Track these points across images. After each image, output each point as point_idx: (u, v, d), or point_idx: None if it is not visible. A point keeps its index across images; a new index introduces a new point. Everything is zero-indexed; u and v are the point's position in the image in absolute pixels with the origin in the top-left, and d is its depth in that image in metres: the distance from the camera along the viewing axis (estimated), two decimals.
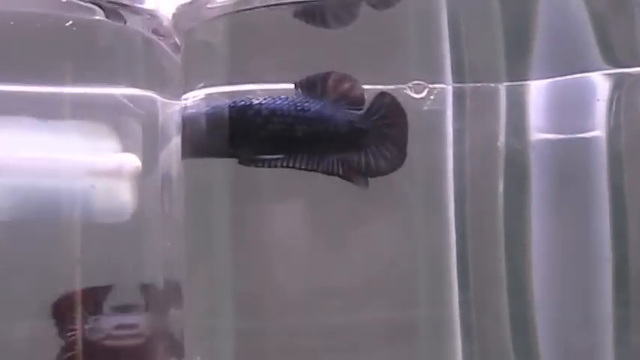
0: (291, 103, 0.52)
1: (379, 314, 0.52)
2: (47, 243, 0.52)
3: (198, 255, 0.56)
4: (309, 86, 0.52)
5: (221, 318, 0.55)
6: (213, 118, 0.54)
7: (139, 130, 0.56)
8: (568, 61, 0.53)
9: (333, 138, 0.51)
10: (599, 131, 0.52)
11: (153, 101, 0.57)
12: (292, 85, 0.52)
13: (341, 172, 0.51)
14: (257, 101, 0.52)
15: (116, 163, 0.55)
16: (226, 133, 0.53)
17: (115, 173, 0.55)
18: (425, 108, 0.52)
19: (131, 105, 0.56)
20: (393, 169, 0.51)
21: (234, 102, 0.53)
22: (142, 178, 0.55)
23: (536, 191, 0.53)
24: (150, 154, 0.56)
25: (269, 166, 0.52)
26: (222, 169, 0.55)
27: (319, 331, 0.52)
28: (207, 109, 0.55)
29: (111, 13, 0.56)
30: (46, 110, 0.53)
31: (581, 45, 0.53)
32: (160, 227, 0.56)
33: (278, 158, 0.51)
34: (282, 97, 0.52)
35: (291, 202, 0.54)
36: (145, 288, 0.55)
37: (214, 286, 0.55)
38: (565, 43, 0.53)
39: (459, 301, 0.52)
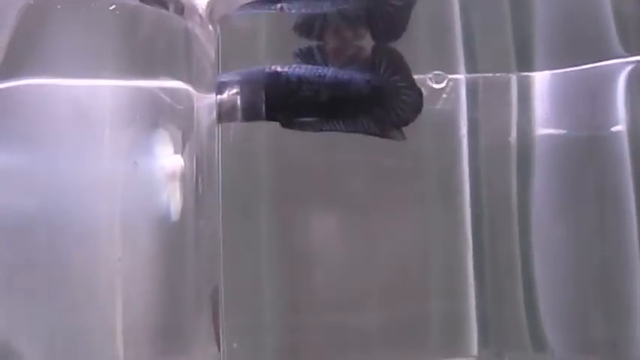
0: (311, 70, 0.53)
1: (404, 309, 0.53)
2: (88, 244, 0.51)
3: (237, 253, 0.56)
4: (308, 56, 0.53)
5: (260, 312, 0.55)
6: (247, 82, 0.55)
7: (177, 125, 0.56)
8: (584, 49, 0.53)
9: (358, 99, 0.52)
10: (618, 122, 0.52)
11: (189, 95, 0.57)
12: None
13: (377, 132, 0.52)
14: (282, 69, 0.53)
15: (168, 167, 0.54)
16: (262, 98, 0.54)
17: (170, 177, 0.54)
18: (444, 96, 0.53)
19: (169, 100, 0.55)
20: (419, 110, 0.52)
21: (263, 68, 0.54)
22: (183, 177, 0.55)
23: (551, 182, 0.53)
24: (187, 152, 0.56)
25: (303, 129, 0.53)
26: (261, 165, 0.56)
27: (353, 326, 0.53)
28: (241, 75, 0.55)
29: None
30: (86, 103, 0.53)
31: (599, 32, 0.53)
32: (197, 229, 0.56)
33: (311, 122, 0.53)
34: (295, 65, 0.53)
35: (323, 203, 0.54)
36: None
37: (253, 284, 0.55)
38: (581, 30, 0.53)
39: (476, 293, 0.52)
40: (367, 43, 0.53)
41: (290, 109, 0.53)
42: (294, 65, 0.53)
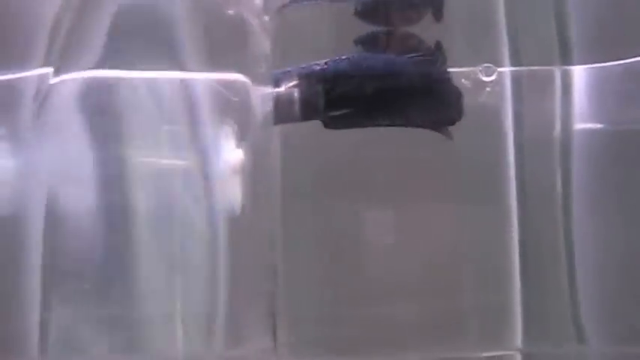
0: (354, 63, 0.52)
1: (451, 302, 0.54)
2: (150, 235, 0.52)
3: (292, 246, 0.56)
4: (372, 42, 0.53)
5: (314, 305, 0.56)
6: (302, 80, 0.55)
7: (234, 118, 0.55)
8: (622, 44, 0.53)
9: (410, 90, 0.52)
10: None
11: (245, 87, 0.56)
12: None
13: (430, 125, 0.52)
14: (319, 67, 0.53)
15: (226, 160, 0.54)
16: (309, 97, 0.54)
17: (229, 170, 0.54)
18: (488, 89, 0.53)
19: (225, 92, 0.55)
20: (461, 112, 0.53)
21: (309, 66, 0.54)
22: (241, 170, 0.55)
23: (591, 175, 0.53)
24: (244, 144, 0.55)
25: (352, 127, 0.53)
26: (313, 160, 0.56)
27: (401, 319, 0.53)
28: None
29: None
30: (146, 96, 0.53)
31: (636, 28, 0.53)
32: (254, 222, 0.55)
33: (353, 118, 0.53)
34: (344, 57, 0.53)
35: (370, 198, 0.54)
36: None
37: (306, 278, 0.56)
38: (619, 25, 0.53)
39: (521, 286, 0.53)
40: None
41: (327, 108, 0.53)
42: (336, 59, 0.53)
